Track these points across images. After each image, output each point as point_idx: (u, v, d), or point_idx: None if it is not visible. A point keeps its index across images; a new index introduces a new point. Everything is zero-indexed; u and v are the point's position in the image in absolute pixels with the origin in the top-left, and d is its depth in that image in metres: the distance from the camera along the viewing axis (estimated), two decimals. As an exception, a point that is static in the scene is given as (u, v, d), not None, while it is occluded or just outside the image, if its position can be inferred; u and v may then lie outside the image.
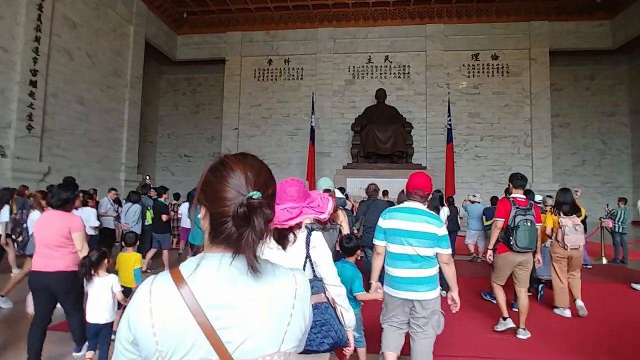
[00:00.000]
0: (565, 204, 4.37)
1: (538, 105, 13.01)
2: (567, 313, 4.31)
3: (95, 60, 10.48)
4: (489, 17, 13.06)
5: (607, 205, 8.71)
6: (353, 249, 2.79)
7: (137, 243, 3.94)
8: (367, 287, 2.64)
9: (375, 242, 2.50)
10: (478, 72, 13.25)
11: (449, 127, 11.36)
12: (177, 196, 8.34)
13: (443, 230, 2.35)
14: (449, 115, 11.46)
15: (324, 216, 1.73)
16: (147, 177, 9.97)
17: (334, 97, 13.55)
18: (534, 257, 3.74)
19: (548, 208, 4.85)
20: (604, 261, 7.55)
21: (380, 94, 11.52)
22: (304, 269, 1.69)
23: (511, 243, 3.51)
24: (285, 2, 13.04)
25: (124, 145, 11.66)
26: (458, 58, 13.29)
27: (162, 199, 6.40)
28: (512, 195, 3.73)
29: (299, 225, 1.70)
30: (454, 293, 2.42)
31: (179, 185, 14.25)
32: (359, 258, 4.17)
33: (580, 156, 14.19)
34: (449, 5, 12.92)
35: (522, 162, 13.04)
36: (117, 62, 11.24)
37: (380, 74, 13.49)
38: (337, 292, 1.75)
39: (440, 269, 2.42)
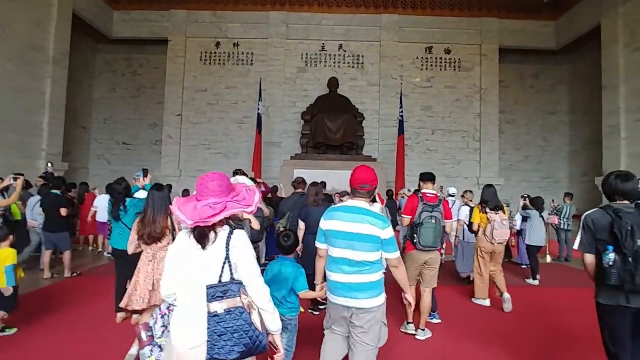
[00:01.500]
0: (491, 201, 4.63)
1: (487, 101, 13.22)
2: (487, 302, 4.64)
3: (9, 31, 9.10)
4: (442, 11, 13.01)
5: (553, 200, 8.67)
6: (292, 247, 2.67)
7: (11, 238, 3.51)
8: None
9: (317, 244, 2.33)
10: (431, 65, 13.21)
11: (400, 119, 11.17)
12: (71, 186, 7.45)
13: (388, 233, 2.14)
14: (401, 107, 11.28)
15: (252, 209, 1.68)
16: (49, 165, 8.82)
17: (285, 85, 12.94)
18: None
19: (475, 205, 4.99)
20: (548, 259, 7.50)
21: (333, 83, 11.09)
22: (221, 271, 1.58)
23: (415, 241, 3.45)
24: (234, -19, 12.19)
25: (44, 129, 10.32)
26: (412, 50, 13.15)
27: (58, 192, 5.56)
28: (423, 191, 3.64)
29: (222, 223, 1.62)
30: (408, 295, 2.33)
31: (115, 174, 12.94)
32: (299, 255, 3.87)
33: (524, 152, 14.69)
34: (404, -5, 12.71)
35: (471, 156, 13.23)
36: (36, 35, 9.86)
37: (334, 62, 13.05)
38: (259, 294, 1.65)
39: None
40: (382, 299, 2.17)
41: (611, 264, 2.12)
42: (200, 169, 12.63)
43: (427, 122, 13.16)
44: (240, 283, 1.61)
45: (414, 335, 3.59)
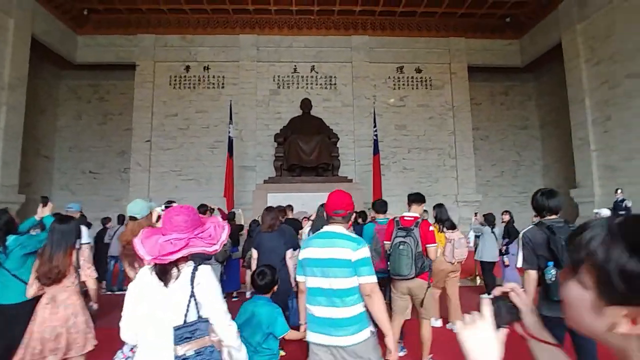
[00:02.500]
0: (447, 220, 4.66)
1: (460, 118, 13.34)
2: (438, 323, 4.61)
3: (-42, 56, 8.58)
4: (411, 32, 13.25)
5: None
6: (268, 285, 2.44)
7: None
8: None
9: (297, 277, 2.20)
10: (403, 84, 13.31)
11: (375, 138, 11.05)
12: None
13: (361, 253, 1.94)
14: (374, 127, 11.18)
15: (215, 248, 1.58)
16: None
17: (257, 108, 12.71)
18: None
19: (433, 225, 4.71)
20: None
21: (306, 104, 10.94)
22: (187, 310, 1.51)
23: (389, 269, 3.25)
24: (202, 5, 12.06)
25: (-1, 159, 9.65)
26: (384, 70, 13.25)
27: None
28: (405, 214, 3.43)
29: (185, 259, 1.57)
30: (388, 338, 1.94)
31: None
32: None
33: (499, 167, 14.83)
34: (373, 17, 12.89)
35: (448, 173, 13.21)
36: (-12, 60, 9.35)
37: (307, 84, 12.96)
38: (227, 331, 1.60)
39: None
40: (365, 333, 1.93)
41: (553, 279, 2.20)
42: (170, 196, 12.04)
43: (402, 140, 13.12)
44: (207, 321, 1.54)
45: None
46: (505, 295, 0.80)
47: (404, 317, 3.39)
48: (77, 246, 2.60)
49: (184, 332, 1.47)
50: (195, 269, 1.57)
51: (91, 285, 2.65)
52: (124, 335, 1.60)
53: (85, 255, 2.62)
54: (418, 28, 13.24)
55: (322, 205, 3.28)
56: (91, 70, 13.72)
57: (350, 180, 10.09)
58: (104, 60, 12.92)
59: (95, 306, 2.72)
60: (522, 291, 0.81)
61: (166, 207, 3.04)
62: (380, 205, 4.30)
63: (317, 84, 13.00)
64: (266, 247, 3.60)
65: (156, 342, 1.51)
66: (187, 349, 1.46)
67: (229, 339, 1.59)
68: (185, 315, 1.51)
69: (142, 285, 1.58)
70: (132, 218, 2.67)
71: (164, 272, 1.54)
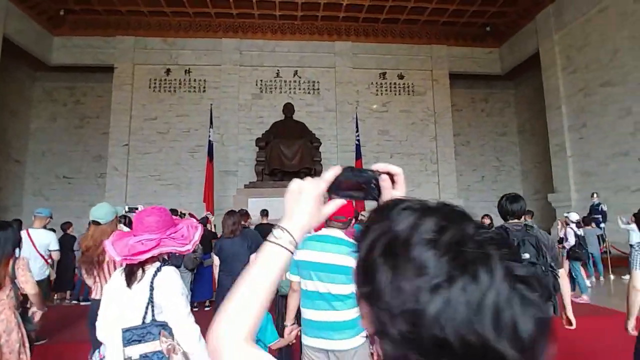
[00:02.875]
0: None
1: (442, 124, 13.50)
2: None
3: None
4: (394, 38, 13.37)
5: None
6: None
7: None
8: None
9: (289, 276, 2.15)
10: (386, 90, 13.40)
11: (357, 142, 11.04)
12: None
13: None
14: (357, 131, 11.18)
15: (188, 248, 1.57)
16: None
17: (240, 112, 12.57)
18: None
19: None
20: None
21: (288, 108, 10.84)
22: (145, 312, 1.50)
23: None
24: (184, 8, 11.89)
25: (-35, 163, 9.20)
26: (367, 76, 13.32)
27: None
28: None
29: (153, 259, 1.57)
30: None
31: (53, 211, 11.82)
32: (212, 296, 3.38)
33: (480, 172, 15.04)
34: (356, 24, 12.96)
35: (430, 178, 13.31)
36: (-45, 59, 8.94)
37: (290, 88, 12.90)
38: (186, 335, 1.52)
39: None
40: (359, 339, 1.96)
41: None
42: (149, 201, 11.74)
43: (385, 145, 13.17)
44: (163, 325, 1.50)
45: None
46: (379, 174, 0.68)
47: None
48: (16, 255, 2.40)
49: (133, 335, 1.45)
50: (157, 270, 1.54)
51: (29, 289, 2.40)
52: (98, 334, 1.62)
53: (21, 264, 2.40)
54: (401, 35, 13.37)
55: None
56: (68, 72, 13.32)
57: (333, 186, 10.03)
58: (81, 62, 12.58)
59: (37, 316, 2.50)
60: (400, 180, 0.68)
61: (129, 211, 2.90)
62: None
63: (300, 89, 12.95)
64: (228, 252, 3.45)
65: (114, 342, 1.52)
66: (133, 352, 1.44)
67: (189, 344, 1.52)
68: (144, 318, 1.49)
69: (112, 287, 1.59)
70: (95, 223, 2.50)
71: (130, 274, 1.54)
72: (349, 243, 2.02)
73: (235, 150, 12.35)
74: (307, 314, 2.05)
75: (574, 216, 6.21)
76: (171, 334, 1.50)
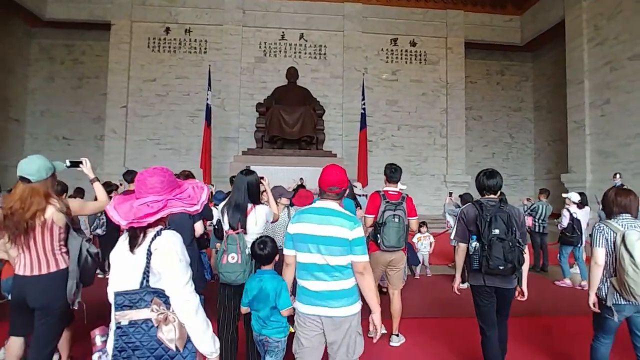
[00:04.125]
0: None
1: (453, 96, 12.82)
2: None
3: None
4: (407, 2, 12.50)
5: (528, 199, 7.71)
6: (269, 256, 2.40)
7: None
8: None
9: (284, 251, 2.17)
10: (397, 57, 12.67)
11: (362, 111, 10.51)
12: None
13: (357, 233, 2.00)
14: (363, 99, 10.61)
15: (196, 208, 1.51)
16: None
17: (242, 76, 12.01)
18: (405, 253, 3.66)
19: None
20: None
21: (292, 73, 10.31)
22: (142, 277, 1.41)
23: (379, 242, 3.28)
24: (184, -39, 11.14)
25: (-43, 120, 8.93)
26: (377, 41, 12.56)
27: None
28: (385, 188, 3.41)
29: (161, 222, 1.49)
30: (375, 315, 2.02)
31: (51, 173, 11.65)
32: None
33: (491, 149, 14.45)
34: (368, -16, 12.09)
35: (438, 152, 12.80)
36: (-59, 8, 8.47)
37: (295, 52, 12.24)
38: (181, 306, 1.40)
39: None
40: (357, 306, 2.04)
41: (473, 250, 2.51)
42: (147, 165, 11.46)
43: (393, 116, 12.60)
44: (157, 292, 1.40)
45: (389, 341, 3.39)
46: None
47: (396, 286, 3.54)
48: None
49: (124, 300, 1.39)
50: (157, 233, 1.45)
51: None
52: (110, 298, 1.50)
53: None
54: (415, -2, 12.49)
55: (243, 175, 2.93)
56: (65, 29, 12.78)
57: (335, 155, 9.63)
58: (76, 18, 12.00)
59: None
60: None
61: (71, 165, 2.50)
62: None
63: (305, 53, 12.29)
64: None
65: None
66: (122, 318, 1.38)
67: (185, 316, 1.42)
68: (141, 284, 1.41)
69: (117, 252, 1.51)
70: (24, 179, 2.11)
71: (133, 237, 1.46)
72: (346, 216, 2.03)
73: (237, 116, 11.90)
74: (304, 284, 2.06)
75: (575, 196, 5.72)
76: (167, 303, 1.41)
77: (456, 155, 12.73)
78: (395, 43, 12.62)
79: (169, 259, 1.43)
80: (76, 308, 2.26)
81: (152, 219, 1.41)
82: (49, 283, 2.14)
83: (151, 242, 1.44)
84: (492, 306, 2.60)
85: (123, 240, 1.51)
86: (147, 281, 1.41)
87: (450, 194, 5.76)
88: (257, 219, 2.60)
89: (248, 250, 2.49)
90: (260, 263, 2.41)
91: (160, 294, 1.41)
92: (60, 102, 13.28)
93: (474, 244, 2.50)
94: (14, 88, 12.76)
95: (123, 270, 1.46)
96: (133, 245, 1.45)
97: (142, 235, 1.45)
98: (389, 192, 3.37)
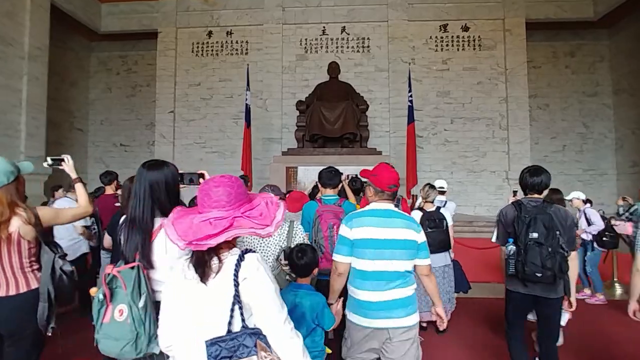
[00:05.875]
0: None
1: (514, 83, 11.53)
2: None
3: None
4: (458, -17, 11.46)
5: (624, 198, 6.33)
6: (307, 267, 2.11)
7: None
8: None
9: (337, 257, 1.99)
10: (447, 45, 11.67)
11: (409, 104, 9.73)
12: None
13: (423, 236, 1.97)
14: (409, 91, 9.82)
15: (269, 230, 1.20)
16: None
17: (283, 75, 11.76)
18: None
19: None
20: (618, 290, 5.26)
21: (333, 68, 9.80)
22: (230, 317, 1.15)
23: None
24: (224, -37, 11.14)
25: (22, 130, 9.59)
26: (424, 30, 11.67)
27: None
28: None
29: (229, 246, 1.23)
30: (439, 308, 2.07)
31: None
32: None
33: (561, 141, 12.84)
34: (413, -33, 11.26)
35: (498, 147, 11.58)
36: (5, 27, 9.13)
37: (337, 47, 11.75)
38: (287, 348, 1.19)
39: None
40: (417, 315, 2.00)
41: (509, 254, 2.35)
42: (195, 170, 11.66)
43: (445, 109, 11.61)
44: (257, 333, 1.15)
45: None
46: None
47: None
48: None
49: (221, 350, 1.10)
50: (240, 258, 1.20)
51: None
52: (161, 344, 1.30)
53: None
54: (466, -23, 11.41)
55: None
56: (119, 41, 13.47)
57: (380, 153, 8.96)
58: (128, 29, 12.54)
59: None
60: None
61: (52, 164, 2.20)
62: (328, 177, 3.00)
63: (348, 47, 11.74)
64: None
65: (189, 358, 1.18)
66: None
67: (293, 357, 1.19)
68: (229, 324, 1.15)
69: (176, 281, 1.24)
70: None
71: (200, 264, 1.19)
72: (409, 217, 2.01)
73: (280, 117, 11.67)
74: (364, 295, 1.93)
75: (579, 195, 4.73)
76: (267, 345, 1.17)
77: (519, 149, 11.42)
78: (445, 29, 11.63)
79: (265, 291, 1.19)
80: (49, 334, 1.93)
81: (213, 242, 1.13)
82: (18, 305, 1.83)
83: (236, 268, 1.18)
84: (525, 313, 2.55)
85: (184, 267, 1.23)
86: (243, 320, 1.16)
87: (515, 192, 4.84)
88: (169, 245, 1.58)
89: (145, 302, 1.48)
90: (298, 275, 2.15)
91: (259, 335, 1.17)
92: (117, 111, 14.00)
93: (510, 247, 2.34)
94: (77, 100, 13.68)
95: (193, 306, 1.19)
96: (205, 274, 1.18)
97: (211, 260, 1.18)
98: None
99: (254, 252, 1.26)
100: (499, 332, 3.44)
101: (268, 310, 1.20)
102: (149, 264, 1.59)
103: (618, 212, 5.37)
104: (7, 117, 9.25)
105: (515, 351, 2.52)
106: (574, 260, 2.36)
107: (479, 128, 11.58)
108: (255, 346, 1.14)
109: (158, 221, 1.64)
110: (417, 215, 3.74)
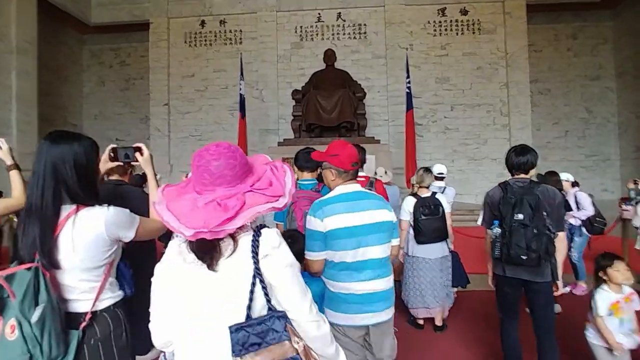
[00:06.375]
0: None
1: (515, 67, 11.27)
2: None
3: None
4: (456, -35, 11.13)
5: (635, 181, 6.09)
6: (300, 254, 1.80)
7: None
8: None
9: (311, 256, 1.76)
10: (445, 30, 11.38)
11: (408, 90, 9.49)
12: None
13: (394, 215, 1.87)
14: (407, 77, 9.58)
15: (285, 201, 1.05)
16: None
17: (279, 64, 11.50)
18: None
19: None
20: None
21: (329, 56, 9.53)
22: (250, 301, 0.98)
23: None
24: (215, -51, 10.81)
25: (13, 127, 9.41)
26: (422, 14, 11.37)
27: None
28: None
29: (242, 227, 1.02)
30: None
31: (104, 173, 12.10)
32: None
33: (562, 126, 12.62)
34: (410, -51, 10.93)
35: (499, 133, 11.37)
36: (-9, 21, 8.90)
37: (332, 34, 11.48)
38: (314, 332, 1.06)
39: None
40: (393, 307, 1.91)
41: (494, 237, 2.27)
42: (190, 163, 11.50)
43: (444, 96, 11.38)
44: (284, 316, 1.01)
45: None
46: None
47: None
48: None
49: (248, 336, 0.94)
50: (257, 234, 1.02)
51: None
52: (156, 341, 1.11)
53: None
54: (465, -41, 11.08)
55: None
56: (111, 33, 13.19)
57: (378, 142, 8.76)
58: (118, 20, 12.25)
59: None
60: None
61: None
62: (305, 159, 2.60)
63: (344, 34, 11.46)
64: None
65: (204, 352, 0.99)
66: None
67: (321, 345, 1.07)
68: (249, 309, 0.98)
69: (172, 268, 1.04)
70: None
71: (208, 249, 0.98)
72: (378, 197, 1.90)
73: (276, 107, 11.45)
74: (342, 287, 1.76)
75: (568, 177, 4.50)
76: (295, 330, 1.03)
77: (520, 135, 11.19)
78: (443, 13, 11.33)
79: (289, 270, 1.05)
80: None
81: (231, 226, 0.95)
82: None
83: (254, 246, 1.01)
84: (516, 298, 2.37)
85: (182, 252, 1.03)
86: (269, 301, 1.01)
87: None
88: (76, 240, 1.26)
89: (41, 316, 1.15)
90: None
91: (286, 318, 1.03)
92: (111, 105, 13.79)
93: (495, 229, 2.26)
94: (70, 94, 13.46)
95: (198, 295, 1.01)
96: (212, 259, 0.99)
97: (230, 242, 1.00)
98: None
99: (268, 227, 1.09)
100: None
101: (293, 293, 1.05)
102: (52, 264, 1.23)
103: (629, 195, 5.14)
104: (-3, 113, 9.07)
105: (507, 342, 2.37)
106: (562, 242, 2.25)
107: (480, 114, 11.35)
108: (286, 330, 0.99)
109: (66, 209, 1.29)
110: (410, 201, 3.41)
